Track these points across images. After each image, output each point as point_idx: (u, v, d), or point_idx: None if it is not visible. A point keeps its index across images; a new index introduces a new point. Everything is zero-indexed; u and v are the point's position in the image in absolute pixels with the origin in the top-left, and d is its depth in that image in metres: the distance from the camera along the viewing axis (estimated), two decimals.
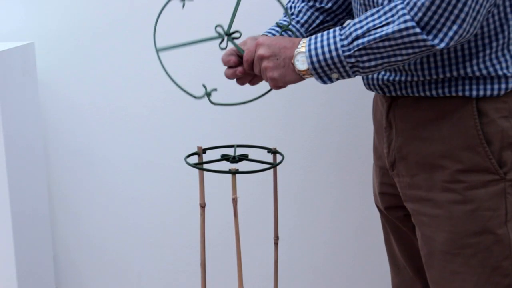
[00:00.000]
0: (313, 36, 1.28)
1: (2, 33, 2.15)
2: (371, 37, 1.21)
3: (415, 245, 1.49)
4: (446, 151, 1.33)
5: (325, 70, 1.26)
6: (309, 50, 1.26)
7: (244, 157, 1.46)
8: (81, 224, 2.27)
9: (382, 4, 1.31)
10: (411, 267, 1.56)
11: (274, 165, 1.45)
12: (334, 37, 1.25)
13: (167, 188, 2.21)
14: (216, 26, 1.39)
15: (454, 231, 1.33)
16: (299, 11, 1.53)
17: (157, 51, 1.38)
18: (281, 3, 1.40)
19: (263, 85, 1.42)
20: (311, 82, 2.10)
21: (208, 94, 1.40)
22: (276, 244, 1.53)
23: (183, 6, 1.37)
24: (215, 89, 1.40)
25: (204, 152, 1.50)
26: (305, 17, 1.53)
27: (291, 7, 1.56)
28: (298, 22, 1.52)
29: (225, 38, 1.40)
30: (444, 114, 1.32)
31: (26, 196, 2.08)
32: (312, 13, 1.53)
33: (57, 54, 2.15)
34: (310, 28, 1.53)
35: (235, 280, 1.52)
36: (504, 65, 1.29)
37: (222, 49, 1.41)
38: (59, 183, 2.24)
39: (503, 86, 1.30)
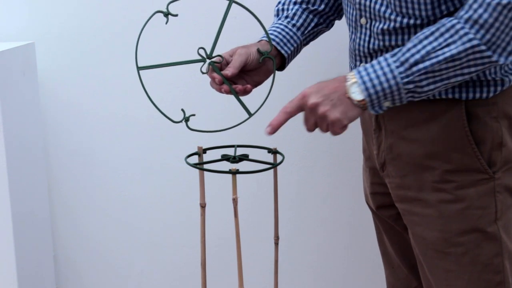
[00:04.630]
0: (362, 67, 1.25)
1: (2, 33, 2.15)
2: (434, 60, 1.20)
3: (408, 243, 1.50)
4: (435, 152, 1.34)
5: (381, 99, 1.24)
6: (364, 82, 1.23)
7: (244, 157, 1.46)
8: (81, 224, 2.27)
9: (379, 11, 1.32)
10: (405, 265, 1.57)
11: (274, 165, 1.45)
12: (389, 65, 1.22)
13: (167, 188, 2.21)
14: (198, 49, 1.40)
15: (445, 230, 1.35)
16: (294, 14, 1.53)
17: (138, 69, 1.38)
18: (263, 26, 1.41)
19: (242, 111, 1.43)
20: (310, 81, 2.10)
21: (186, 120, 1.40)
22: (276, 244, 1.53)
23: (167, 21, 1.38)
24: (193, 115, 1.41)
25: (205, 152, 1.51)
26: (301, 20, 1.53)
27: (283, 9, 1.55)
28: (294, 25, 1.52)
29: (207, 61, 1.40)
30: (433, 115, 1.33)
31: (26, 196, 2.08)
32: (307, 16, 1.53)
33: (57, 54, 2.15)
34: (306, 31, 1.54)
35: (235, 280, 1.52)
36: (492, 70, 1.30)
37: (203, 73, 1.42)
38: (59, 183, 2.24)
39: (491, 89, 1.31)
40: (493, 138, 1.32)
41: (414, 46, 1.22)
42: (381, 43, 1.34)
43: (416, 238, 1.40)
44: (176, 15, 1.38)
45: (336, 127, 1.26)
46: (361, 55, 1.39)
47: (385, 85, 1.22)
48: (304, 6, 1.53)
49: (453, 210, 1.34)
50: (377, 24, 1.34)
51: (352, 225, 2.17)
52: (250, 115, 1.43)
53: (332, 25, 1.59)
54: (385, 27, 1.32)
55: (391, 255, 1.60)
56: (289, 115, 1.30)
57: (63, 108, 2.19)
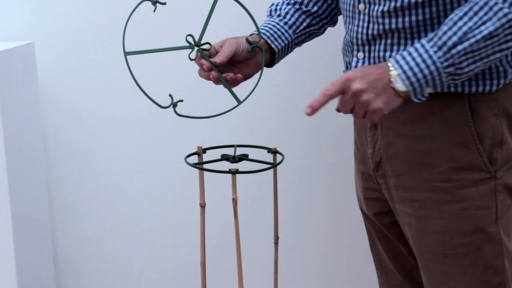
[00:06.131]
0: (399, 57, 1.23)
1: (2, 33, 2.15)
2: (472, 40, 1.19)
3: (401, 251, 1.49)
4: (436, 149, 1.31)
5: (423, 87, 1.22)
6: (404, 72, 1.21)
7: (244, 157, 1.46)
8: (81, 224, 2.27)
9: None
10: (400, 271, 1.55)
11: (274, 165, 1.45)
12: (427, 51, 1.21)
13: (167, 188, 2.21)
14: (187, 36, 1.39)
15: (445, 231, 1.33)
16: (286, 13, 1.53)
17: (125, 54, 1.38)
18: (253, 18, 1.40)
19: (232, 99, 1.42)
20: (310, 81, 2.10)
21: (174, 105, 1.40)
22: (276, 244, 1.53)
23: (155, 9, 1.37)
24: (181, 100, 1.40)
25: (204, 152, 1.50)
26: (293, 19, 1.53)
27: (275, 9, 1.55)
28: (286, 23, 1.52)
29: (195, 48, 1.40)
30: (434, 111, 1.31)
31: (26, 197, 2.08)
32: (300, 16, 1.53)
33: (57, 54, 2.15)
34: (298, 30, 1.53)
35: (235, 280, 1.52)
36: (498, 62, 1.29)
37: (191, 59, 1.41)
38: (59, 184, 2.24)
39: (495, 82, 1.29)
40: (493, 135, 1.30)
41: (450, 28, 1.20)
42: (381, 27, 1.32)
43: (414, 240, 1.38)
44: (164, 3, 1.38)
45: (375, 116, 1.23)
46: (359, 44, 1.37)
47: (426, 71, 1.20)
48: (297, 6, 1.53)
49: (453, 210, 1.31)
50: (376, 7, 1.31)
51: (352, 225, 2.17)
52: (239, 102, 1.42)
53: (325, 29, 1.58)
54: (385, 8, 1.30)
55: (384, 261, 1.57)
56: (330, 97, 1.23)
57: (63, 108, 2.19)
